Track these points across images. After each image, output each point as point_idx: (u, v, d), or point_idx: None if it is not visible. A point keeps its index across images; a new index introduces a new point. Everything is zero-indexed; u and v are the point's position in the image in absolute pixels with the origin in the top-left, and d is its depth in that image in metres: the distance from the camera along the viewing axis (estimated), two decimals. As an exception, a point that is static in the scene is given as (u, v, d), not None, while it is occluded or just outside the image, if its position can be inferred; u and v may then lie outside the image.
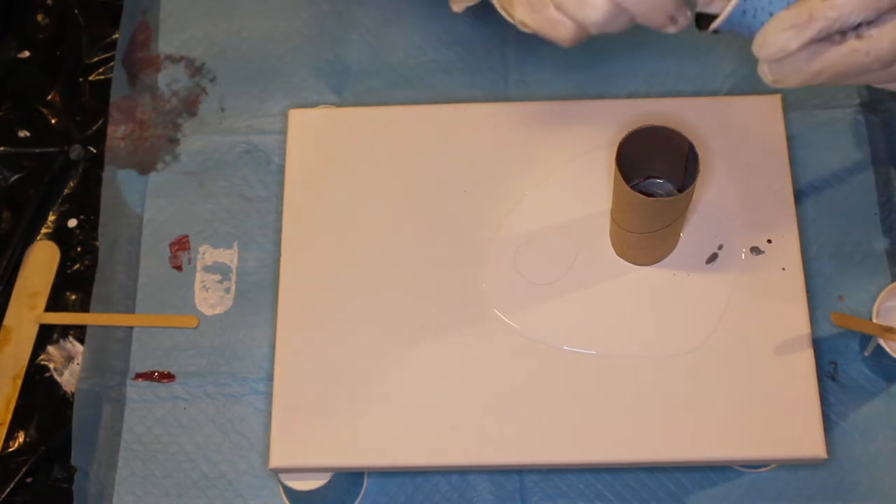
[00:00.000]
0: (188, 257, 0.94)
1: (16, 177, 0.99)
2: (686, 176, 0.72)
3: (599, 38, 0.99)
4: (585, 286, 0.79)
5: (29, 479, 0.89)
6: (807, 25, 0.52)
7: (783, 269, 0.79)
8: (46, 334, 0.94)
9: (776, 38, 0.53)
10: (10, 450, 0.89)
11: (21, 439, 0.90)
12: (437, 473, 0.86)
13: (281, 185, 0.90)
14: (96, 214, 0.97)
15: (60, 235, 0.97)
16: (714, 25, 0.57)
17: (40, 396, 0.91)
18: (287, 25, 1.03)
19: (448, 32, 1.01)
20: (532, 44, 1.00)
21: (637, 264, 0.79)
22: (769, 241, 0.79)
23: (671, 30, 0.58)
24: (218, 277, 0.93)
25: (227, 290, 0.93)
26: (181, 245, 0.95)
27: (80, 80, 1.03)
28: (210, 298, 0.93)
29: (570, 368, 0.76)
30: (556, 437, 0.75)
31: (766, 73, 0.56)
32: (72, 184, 0.99)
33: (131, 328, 0.92)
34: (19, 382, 0.91)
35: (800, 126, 0.94)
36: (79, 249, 0.97)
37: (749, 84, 0.96)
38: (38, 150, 1.00)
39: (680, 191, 0.73)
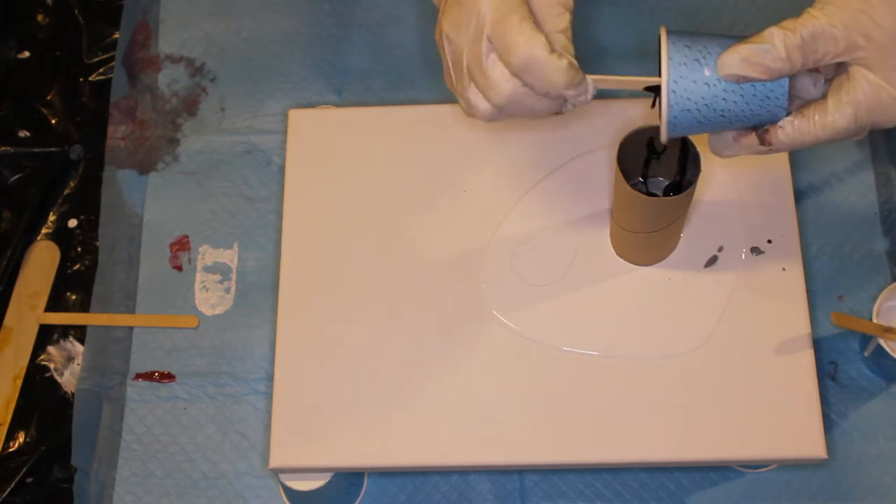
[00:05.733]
0: (188, 257, 0.94)
1: (16, 177, 0.99)
2: (686, 176, 0.72)
3: (600, 38, 0.99)
4: (585, 286, 0.79)
5: (29, 479, 0.89)
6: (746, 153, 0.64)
7: (783, 269, 0.79)
8: (47, 334, 0.94)
9: (730, 153, 0.65)
10: (10, 450, 0.89)
11: (21, 439, 0.90)
12: (437, 473, 0.86)
13: (281, 185, 0.90)
14: (96, 214, 0.97)
15: (60, 235, 0.97)
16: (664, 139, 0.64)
17: (40, 396, 0.91)
18: (287, 25, 1.03)
19: (448, 32, 1.01)
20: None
21: (637, 264, 0.79)
22: (769, 241, 0.79)
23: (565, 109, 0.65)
24: (218, 277, 0.93)
25: (227, 290, 0.93)
26: (181, 245, 0.95)
27: (80, 80, 1.03)
28: (210, 298, 0.93)
29: (570, 369, 0.76)
30: (556, 437, 0.75)
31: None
32: (72, 184, 0.99)
33: (131, 328, 0.92)
34: (19, 382, 0.91)
35: (800, 126, 0.94)
36: (79, 249, 0.97)
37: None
38: (38, 150, 1.00)
39: (680, 190, 0.73)
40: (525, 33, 0.60)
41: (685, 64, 0.61)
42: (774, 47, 0.57)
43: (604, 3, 1.01)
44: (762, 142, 0.61)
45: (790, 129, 0.60)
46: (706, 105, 0.60)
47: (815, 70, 0.61)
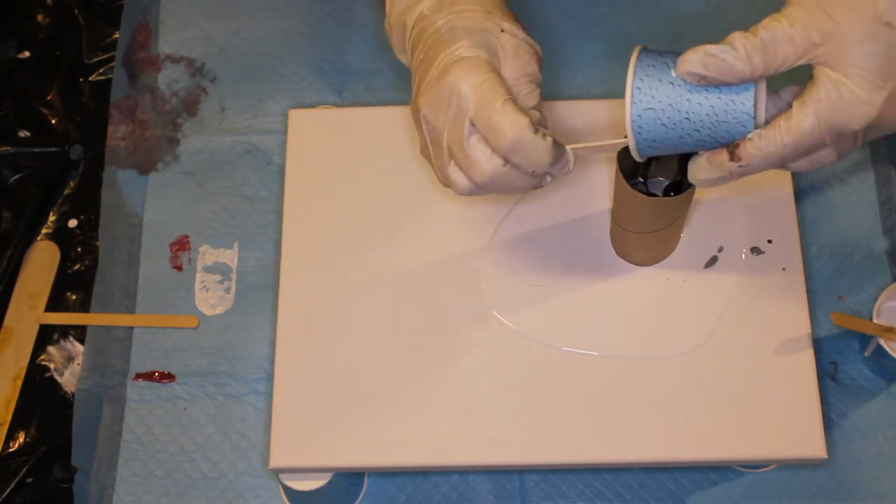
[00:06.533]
0: (188, 257, 0.94)
1: (16, 177, 0.99)
2: (686, 176, 0.72)
3: (600, 38, 0.99)
4: (585, 286, 0.79)
5: (29, 479, 0.89)
6: (723, 175, 0.63)
7: (783, 269, 0.79)
8: (47, 334, 0.94)
9: (706, 176, 0.64)
10: (10, 450, 0.89)
11: (21, 439, 0.90)
12: (437, 473, 0.86)
13: (281, 185, 0.90)
14: (96, 214, 0.97)
15: (60, 235, 0.97)
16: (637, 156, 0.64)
17: (40, 396, 0.91)
18: (287, 25, 1.03)
19: (448, 32, 1.01)
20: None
21: (637, 264, 0.79)
22: (769, 242, 0.79)
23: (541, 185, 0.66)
24: (218, 277, 0.93)
25: (228, 290, 0.93)
26: (181, 245, 0.95)
27: (80, 80, 1.03)
28: (210, 298, 0.93)
29: (570, 369, 0.76)
30: (556, 437, 0.75)
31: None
32: (72, 184, 0.99)
33: (131, 328, 0.92)
34: (19, 383, 0.91)
35: (800, 126, 0.94)
36: (79, 249, 0.97)
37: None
38: (38, 150, 1.00)
39: (680, 190, 0.73)
40: (510, 116, 0.61)
41: (653, 66, 0.61)
42: (734, 48, 0.58)
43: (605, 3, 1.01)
44: (732, 157, 0.61)
45: (758, 140, 0.60)
46: (670, 105, 0.60)
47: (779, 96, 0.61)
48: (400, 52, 0.71)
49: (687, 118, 0.60)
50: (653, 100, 0.60)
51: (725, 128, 0.60)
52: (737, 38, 0.58)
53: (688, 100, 0.60)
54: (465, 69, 0.63)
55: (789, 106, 0.59)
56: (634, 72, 0.61)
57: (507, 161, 0.63)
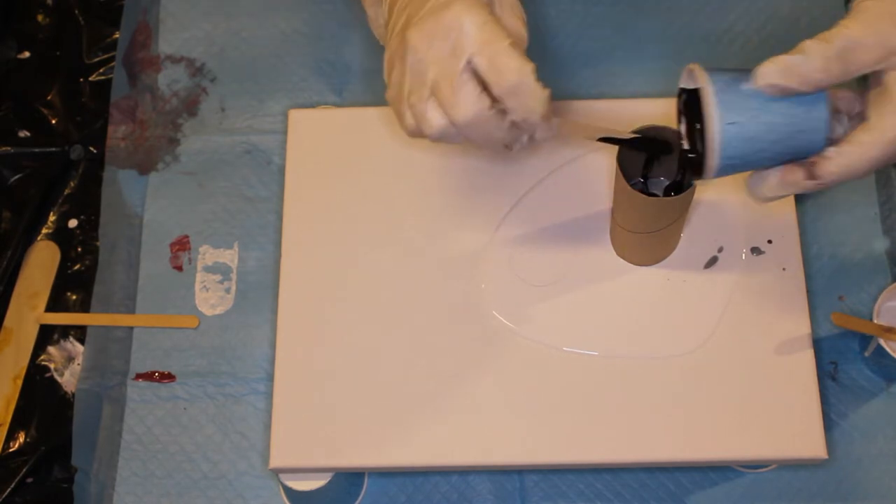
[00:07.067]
0: (188, 257, 0.94)
1: (16, 177, 0.99)
2: (686, 175, 0.72)
3: (600, 38, 0.99)
4: (585, 286, 0.79)
5: (29, 479, 0.89)
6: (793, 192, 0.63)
7: (783, 269, 0.79)
8: (47, 334, 0.94)
9: (774, 194, 0.63)
10: (10, 450, 0.89)
11: (21, 439, 0.90)
12: (437, 473, 0.86)
13: (281, 185, 0.90)
14: (96, 214, 0.97)
15: (60, 235, 0.97)
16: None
17: (41, 397, 0.91)
18: (287, 25, 1.03)
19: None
20: (531, 44, 1.00)
21: (637, 264, 0.79)
22: (769, 242, 0.79)
23: (514, 149, 0.66)
24: (218, 277, 0.93)
25: (228, 290, 0.93)
26: (181, 245, 0.95)
27: (80, 80, 1.03)
28: (210, 298, 0.93)
29: (570, 369, 0.76)
30: (556, 437, 0.75)
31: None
32: (72, 184, 0.99)
33: (131, 328, 0.92)
34: (20, 383, 0.91)
35: (800, 126, 0.94)
36: (79, 249, 0.97)
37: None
38: (38, 150, 1.00)
39: (680, 190, 0.73)
40: (516, 59, 0.61)
41: (726, 81, 0.60)
42: (811, 58, 0.57)
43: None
44: (811, 176, 0.60)
45: (837, 157, 0.59)
46: (752, 118, 0.60)
47: (837, 110, 0.61)
48: (372, 5, 0.70)
49: (769, 130, 0.60)
50: (735, 114, 0.60)
51: (804, 137, 0.60)
52: (812, 46, 0.57)
53: (769, 111, 0.59)
54: (469, 6, 0.61)
55: (838, 112, 0.59)
56: (713, 88, 0.60)
57: (494, 105, 0.62)
